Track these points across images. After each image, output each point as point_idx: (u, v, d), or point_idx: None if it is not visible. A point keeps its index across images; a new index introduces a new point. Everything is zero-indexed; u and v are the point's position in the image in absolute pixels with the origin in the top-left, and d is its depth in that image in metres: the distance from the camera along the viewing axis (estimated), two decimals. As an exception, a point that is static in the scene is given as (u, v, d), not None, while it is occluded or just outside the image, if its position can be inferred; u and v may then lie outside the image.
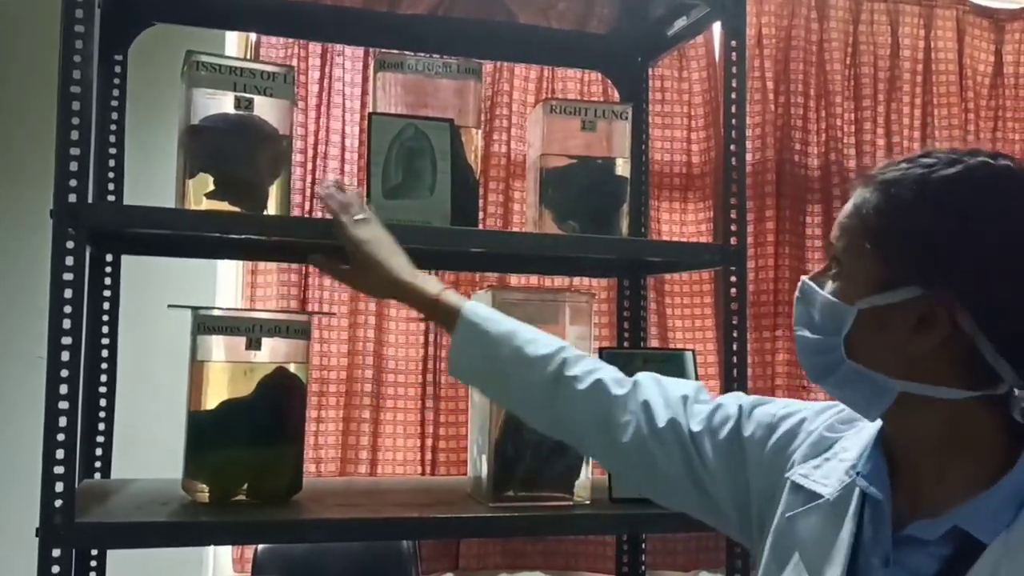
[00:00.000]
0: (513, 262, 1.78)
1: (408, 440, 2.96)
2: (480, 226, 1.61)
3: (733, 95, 1.46)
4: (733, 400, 1.13)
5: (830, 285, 0.94)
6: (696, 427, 1.11)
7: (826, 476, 0.99)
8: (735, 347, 1.50)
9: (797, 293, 0.98)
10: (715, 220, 3.13)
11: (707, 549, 3.12)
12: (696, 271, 2.91)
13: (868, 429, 1.00)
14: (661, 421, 1.12)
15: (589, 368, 1.17)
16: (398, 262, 1.26)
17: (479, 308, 1.22)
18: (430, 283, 1.25)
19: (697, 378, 1.65)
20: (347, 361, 2.94)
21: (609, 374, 1.17)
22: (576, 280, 2.26)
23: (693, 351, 1.67)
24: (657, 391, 1.15)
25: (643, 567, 1.79)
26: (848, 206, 0.95)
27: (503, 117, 3.02)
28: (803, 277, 0.98)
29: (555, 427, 1.20)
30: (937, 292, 0.87)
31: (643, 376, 1.18)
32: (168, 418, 1.66)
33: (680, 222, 3.18)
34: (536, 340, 1.19)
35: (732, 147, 1.47)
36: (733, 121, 1.47)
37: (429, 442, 2.97)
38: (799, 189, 3.22)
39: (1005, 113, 3.32)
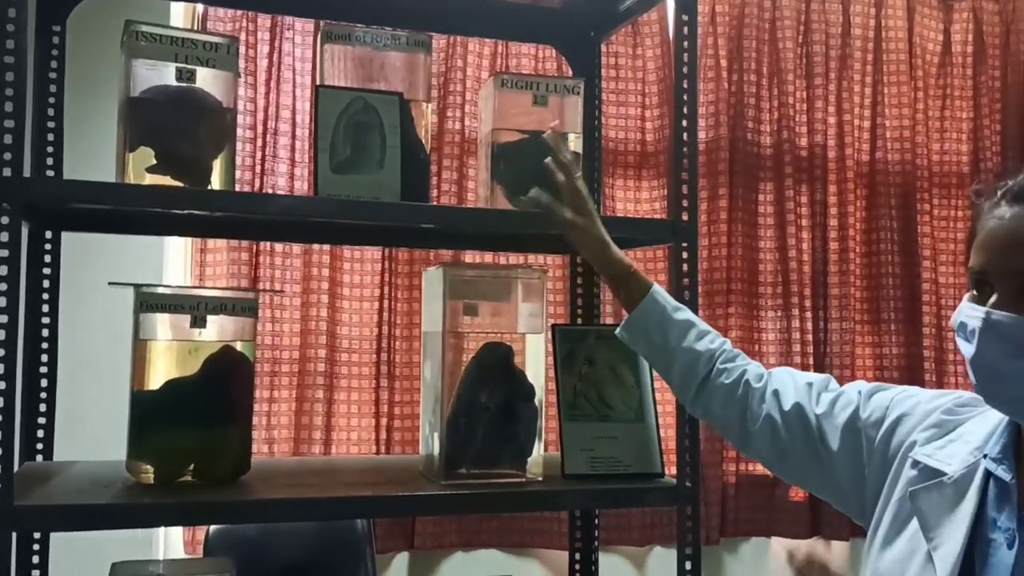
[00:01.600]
0: (465, 239, 1.77)
1: (363, 420, 2.95)
2: (434, 203, 1.59)
3: (685, 70, 1.45)
4: (854, 388, 1.23)
5: None
6: (820, 411, 1.22)
7: (950, 456, 1.06)
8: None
9: (989, 327, 0.97)
10: (668, 197, 3.14)
11: (661, 524, 3.14)
12: (650, 248, 2.92)
13: (993, 413, 1.06)
14: (787, 406, 1.24)
15: (739, 364, 1.34)
16: (603, 229, 1.41)
17: (664, 293, 1.40)
18: (627, 256, 1.42)
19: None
20: (300, 340, 2.91)
21: (753, 370, 1.33)
22: (531, 257, 2.25)
23: (645, 327, 1.67)
24: (788, 381, 1.29)
25: (596, 543, 1.80)
26: (1017, 233, 0.97)
27: (457, 94, 2.99)
28: (987, 310, 0.97)
29: (701, 412, 1.38)
30: None
31: (777, 370, 1.33)
32: (112, 399, 1.62)
33: (634, 200, 3.18)
34: (705, 335, 1.36)
35: (684, 123, 1.46)
36: (685, 97, 1.46)
37: (384, 421, 2.95)
38: (752, 167, 3.24)
39: (953, 92, 3.36)
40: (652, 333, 1.38)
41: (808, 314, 3.24)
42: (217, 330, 1.37)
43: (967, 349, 1.00)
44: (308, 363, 2.91)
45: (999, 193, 1.02)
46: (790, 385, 1.28)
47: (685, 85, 1.46)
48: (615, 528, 3.08)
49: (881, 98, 3.31)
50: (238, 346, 1.38)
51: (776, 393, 1.27)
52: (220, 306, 1.37)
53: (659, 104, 3.17)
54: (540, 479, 1.47)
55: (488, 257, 2.76)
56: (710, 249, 3.21)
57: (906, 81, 3.32)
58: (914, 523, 1.05)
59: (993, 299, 0.97)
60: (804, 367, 3.23)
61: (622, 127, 3.17)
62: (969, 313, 0.99)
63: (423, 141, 1.48)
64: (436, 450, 1.47)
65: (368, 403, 2.95)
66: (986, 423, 1.07)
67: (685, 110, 1.45)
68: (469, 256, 2.79)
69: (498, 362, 1.51)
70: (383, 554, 2.92)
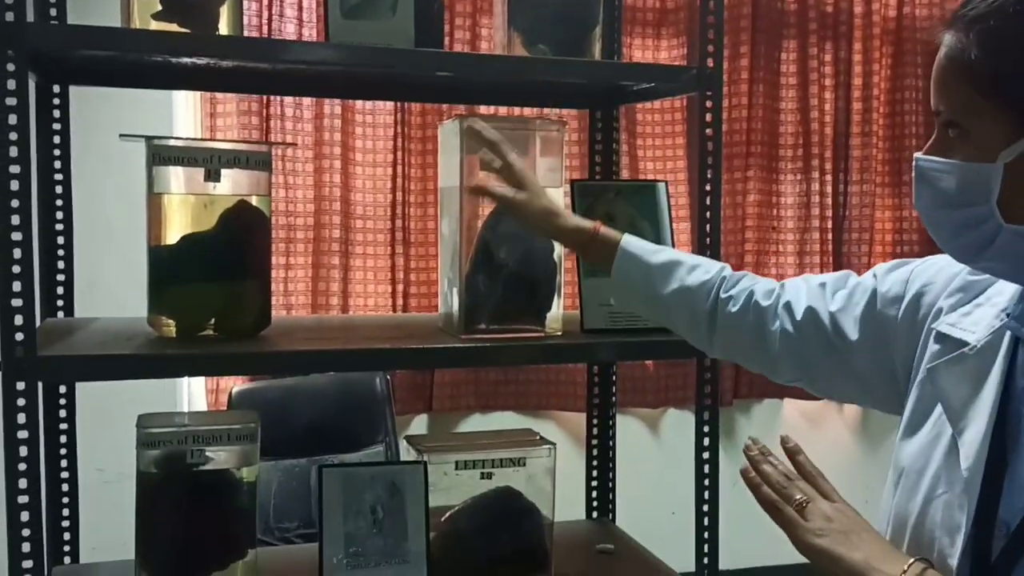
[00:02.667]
0: (480, 92, 1.71)
1: (379, 286, 2.96)
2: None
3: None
4: (869, 273, 1.12)
5: (955, 150, 0.86)
6: (834, 307, 1.10)
7: (975, 323, 0.94)
8: (709, 175, 1.46)
9: (916, 173, 0.89)
10: (689, 45, 3.04)
11: (675, 387, 3.19)
12: (668, 99, 2.86)
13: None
14: (799, 314, 1.12)
15: (744, 287, 1.19)
16: (554, 200, 1.30)
17: (637, 240, 1.24)
18: (585, 220, 1.28)
19: (670, 212, 1.63)
20: (314, 207, 2.89)
21: (761, 287, 1.18)
22: (549, 113, 2.20)
23: (666, 183, 1.64)
24: (800, 287, 1.15)
25: (614, 403, 1.82)
26: (941, 63, 0.87)
27: (469, -54, 2.88)
28: (916, 155, 0.89)
29: (718, 350, 1.23)
30: None
31: (791, 280, 1.19)
32: (129, 259, 1.62)
33: (653, 59, 3.09)
34: (696, 266, 1.21)
35: (710, -38, 1.39)
36: (711, -66, 1.39)
37: (400, 287, 2.96)
38: (775, 24, 3.13)
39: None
40: (638, 287, 1.23)
41: (828, 177, 3.19)
42: (231, 184, 1.35)
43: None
44: (323, 230, 2.90)
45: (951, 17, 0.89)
46: (803, 291, 1.14)
47: (712, -78, 1.38)
48: (630, 391, 3.12)
49: (912, -51, 3.17)
50: (253, 201, 1.37)
51: (788, 305, 1.14)
52: (234, 159, 1.34)
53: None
54: (559, 334, 1.48)
55: (503, 112, 2.71)
56: (730, 110, 3.14)
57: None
58: (936, 403, 0.94)
59: (929, 142, 0.90)
60: (822, 231, 3.20)
61: (641, -17, 3.05)
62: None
63: (437, -14, 1.41)
64: (455, 307, 1.47)
65: (384, 269, 2.95)
66: (1009, 286, 0.95)
67: (711, -52, 1.38)
68: (482, 111, 2.73)
69: (516, 216, 1.49)
70: (402, 415, 2.98)
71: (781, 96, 3.16)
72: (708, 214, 1.49)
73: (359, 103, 2.87)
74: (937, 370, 0.94)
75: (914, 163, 0.89)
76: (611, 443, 1.81)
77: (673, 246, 1.60)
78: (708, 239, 1.50)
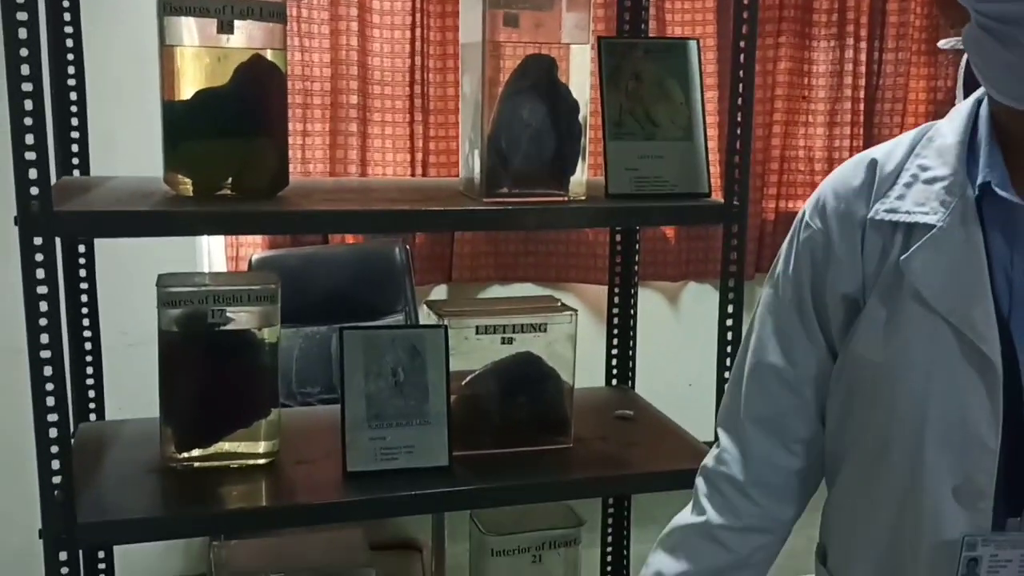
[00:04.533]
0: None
1: (397, 155, 2.91)
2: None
3: None
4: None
5: None
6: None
7: (920, 203, 0.87)
8: (745, 30, 1.40)
9: None
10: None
11: (696, 260, 3.17)
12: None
13: (941, 140, 0.89)
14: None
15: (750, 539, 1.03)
16: None
17: None
18: None
19: (701, 73, 1.56)
20: (331, 71, 2.82)
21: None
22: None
23: (698, 41, 1.57)
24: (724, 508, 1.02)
25: (636, 274, 1.79)
26: None
27: None
28: None
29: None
30: None
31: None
32: (146, 114, 1.58)
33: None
34: None
35: None
36: None
37: (419, 156, 2.92)
38: None
39: None
40: None
41: (863, 44, 3.08)
42: (246, 38, 1.30)
43: None
44: (340, 95, 2.83)
45: None
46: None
47: None
48: (651, 264, 3.10)
49: None
50: (269, 55, 1.32)
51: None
52: (247, 9, 1.28)
53: None
54: (583, 198, 1.44)
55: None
56: (762, -26, 3.00)
57: None
58: (915, 294, 0.86)
59: None
60: (854, 100, 3.11)
61: None
62: None
63: None
64: (476, 170, 1.43)
65: (403, 137, 2.90)
66: (938, 151, 0.89)
67: None
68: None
69: (541, 76, 1.43)
70: (422, 285, 2.98)
71: (817, -43, 3.02)
72: (742, 73, 1.43)
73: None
74: (910, 260, 0.86)
75: None
76: (632, 312, 1.80)
77: (704, 109, 1.55)
78: (741, 100, 1.44)
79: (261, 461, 1.41)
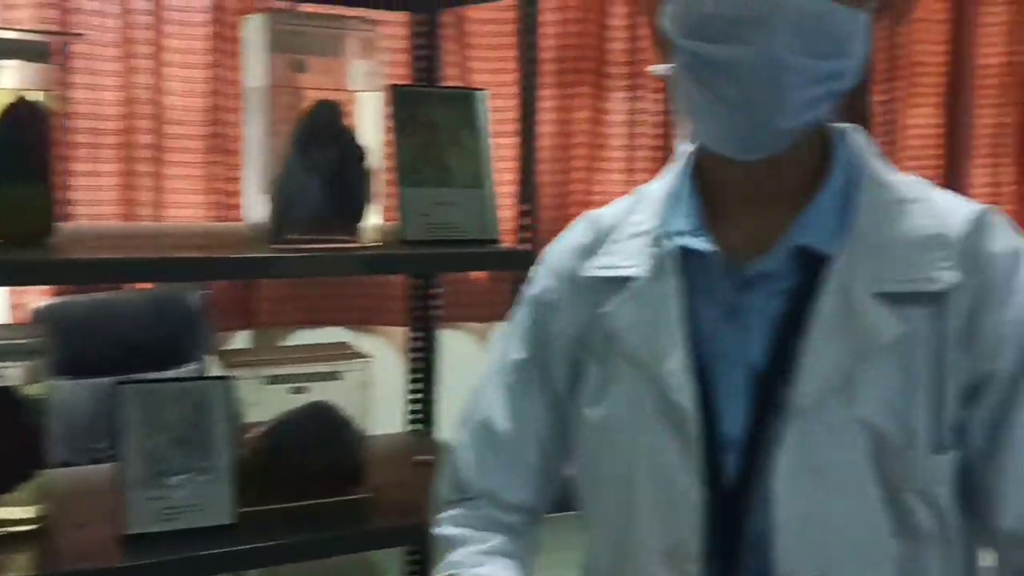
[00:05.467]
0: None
1: (195, 196, 2.81)
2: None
3: None
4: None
5: None
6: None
7: (627, 257, 0.87)
8: (529, 81, 1.45)
9: (775, 8, 0.72)
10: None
11: (504, 302, 3.21)
12: (498, 9, 2.81)
13: (651, 195, 0.90)
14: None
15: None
16: None
17: None
18: None
19: (487, 120, 1.60)
20: (124, 110, 2.70)
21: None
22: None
23: (486, 92, 1.61)
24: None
25: (437, 317, 1.80)
26: None
27: None
28: None
29: None
30: None
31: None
32: None
33: (484, -32, 3.02)
34: None
35: None
36: None
37: (219, 198, 2.83)
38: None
39: None
40: None
41: (658, 95, 3.24)
42: (10, 80, 1.23)
43: (741, 47, 0.74)
44: (133, 135, 2.71)
45: None
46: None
47: None
48: (457, 305, 3.12)
49: None
50: (38, 96, 1.25)
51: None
52: (7, 51, 1.21)
53: None
54: (379, 244, 1.44)
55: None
56: (562, 25, 3.13)
57: None
58: (618, 344, 0.85)
59: None
60: (651, 149, 3.26)
61: None
62: None
63: None
64: (263, 215, 1.40)
65: (201, 178, 2.80)
66: (649, 206, 0.89)
67: None
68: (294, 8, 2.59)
69: (330, 121, 1.43)
70: (222, 332, 2.87)
71: (611, 12, 3.16)
72: (528, 121, 1.48)
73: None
74: (612, 314, 0.86)
75: None
76: (432, 356, 1.80)
77: (490, 159, 1.58)
78: (528, 147, 1.49)
79: (28, 527, 1.30)
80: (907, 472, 0.78)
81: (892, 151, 3.49)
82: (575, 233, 0.95)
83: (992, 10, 3.62)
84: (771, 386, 0.80)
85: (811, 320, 0.79)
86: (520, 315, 0.97)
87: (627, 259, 0.87)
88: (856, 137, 0.87)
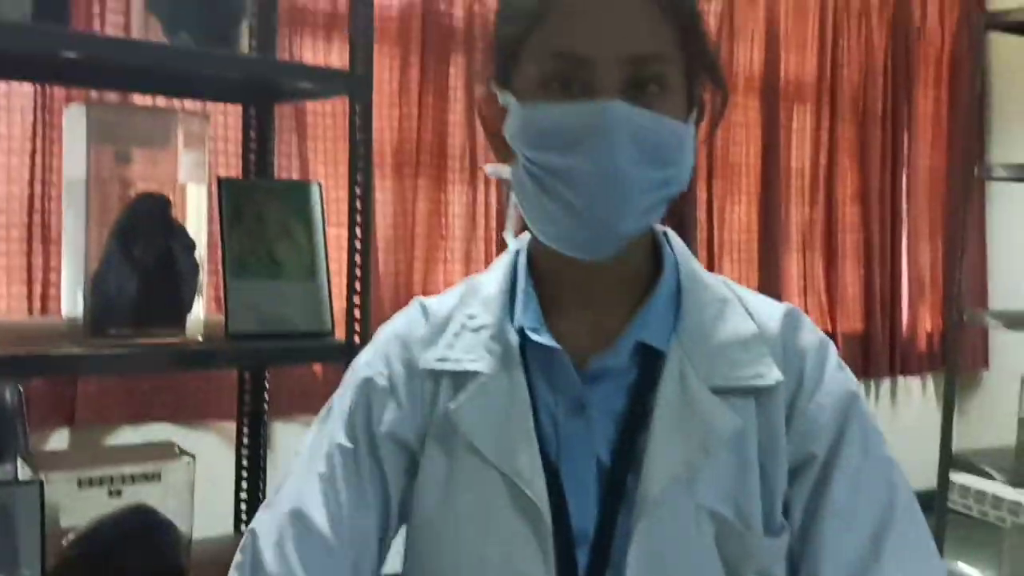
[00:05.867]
0: (121, 76, 1.59)
1: (12, 287, 2.66)
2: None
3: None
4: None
5: (655, 104, 0.78)
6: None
7: (468, 351, 0.86)
8: (360, 177, 1.46)
9: (620, 124, 0.76)
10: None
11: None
12: (338, 102, 2.84)
13: (484, 291, 0.89)
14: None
15: None
16: None
17: None
18: None
19: (323, 214, 1.60)
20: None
21: None
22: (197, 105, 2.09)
23: (320, 184, 1.62)
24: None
25: (266, 410, 1.75)
26: (631, 6, 0.77)
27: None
28: (620, 103, 0.76)
29: None
30: (702, 79, 0.83)
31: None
32: None
33: (324, 62, 3.06)
34: None
35: (360, -34, 1.40)
36: (362, -62, 1.39)
37: (38, 288, 2.68)
38: (444, 38, 3.22)
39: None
40: None
41: (493, 188, 3.33)
42: None
43: (583, 158, 0.77)
44: (-57, 223, 2.56)
45: None
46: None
47: (363, -74, 1.39)
48: (297, 397, 3.05)
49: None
50: None
51: None
52: None
53: (351, -38, 3.04)
54: (200, 339, 1.40)
55: (161, 103, 2.54)
56: (401, 120, 3.18)
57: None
58: (465, 440, 0.84)
59: (602, 91, 0.77)
60: (487, 240, 3.34)
61: (310, -16, 3.01)
62: (577, 111, 0.77)
63: (61, -43, 1.29)
64: (80, 309, 1.34)
65: (19, 268, 2.66)
66: (484, 300, 0.89)
67: (362, -47, 1.38)
68: (138, 101, 2.54)
69: (154, 214, 1.40)
70: (39, 431, 2.69)
71: (449, 108, 3.25)
72: (360, 216, 1.49)
73: (-9, 84, 2.57)
74: (459, 410, 0.84)
75: (613, 112, 0.75)
76: (262, 451, 1.75)
77: (326, 249, 1.58)
78: (359, 241, 1.50)
79: None
80: (746, 554, 0.81)
81: (716, 244, 3.71)
82: (409, 320, 0.92)
83: (799, 116, 3.94)
84: (618, 479, 0.81)
85: (653, 415, 0.82)
86: (345, 400, 0.90)
87: (469, 353, 0.86)
88: (677, 238, 0.91)
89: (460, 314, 0.89)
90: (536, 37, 0.79)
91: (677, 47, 0.79)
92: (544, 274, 0.88)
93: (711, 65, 0.83)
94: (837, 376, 0.86)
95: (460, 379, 0.86)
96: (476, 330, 0.87)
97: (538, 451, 0.82)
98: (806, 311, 3.44)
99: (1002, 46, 3.90)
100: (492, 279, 0.90)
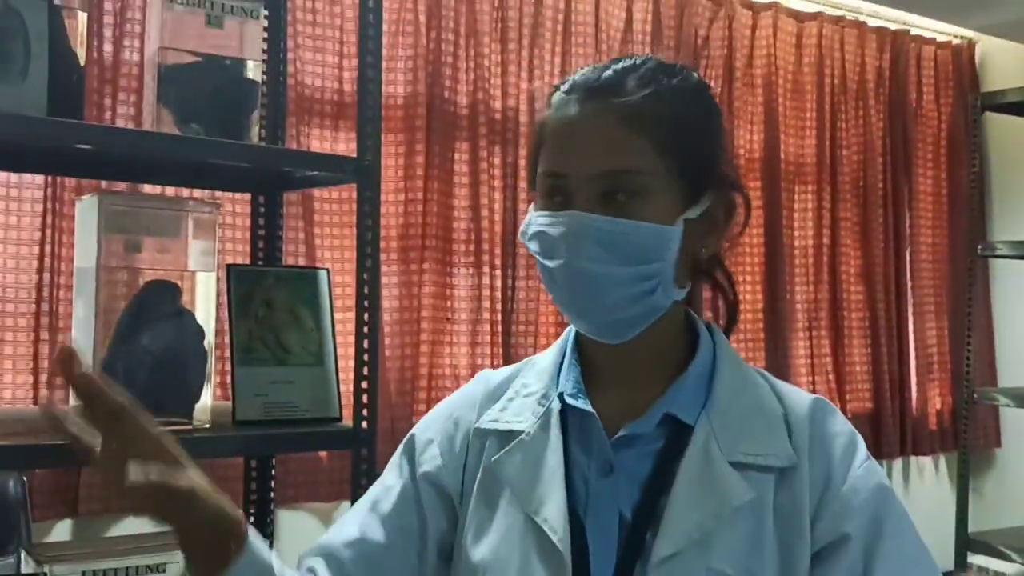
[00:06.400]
0: (132, 168, 1.62)
1: (19, 376, 2.66)
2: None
3: (371, 3, 1.42)
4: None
5: (628, 211, 0.88)
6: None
7: (517, 414, 0.98)
8: (368, 264, 1.48)
9: (577, 230, 0.88)
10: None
11: (345, 481, 3.13)
12: (345, 188, 2.88)
13: (540, 363, 1.02)
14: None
15: None
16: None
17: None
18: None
19: (331, 300, 1.61)
20: (-59, 288, 2.56)
21: None
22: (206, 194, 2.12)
23: (328, 270, 1.63)
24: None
25: (272, 497, 1.73)
26: (610, 123, 0.88)
27: (136, 21, 2.76)
28: (574, 212, 0.88)
29: None
30: (722, 193, 0.94)
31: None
32: None
33: (331, 151, 3.11)
34: None
35: (368, 58, 1.43)
36: (370, 32, 1.43)
37: (43, 378, 2.68)
38: (448, 126, 3.28)
39: (634, 68, 3.60)
40: None
41: (498, 272, 3.34)
42: None
43: (552, 261, 0.90)
44: (-47, 312, 2.57)
45: (564, 89, 0.94)
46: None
47: (371, 19, 1.42)
48: (303, 485, 3.02)
49: (569, 68, 3.47)
50: None
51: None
52: None
53: (357, 54, 3.11)
54: (208, 426, 1.40)
55: (170, 192, 2.57)
56: (407, 204, 3.21)
57: (592, 53, 3.50)
58: (504, 491, 0.95)
59: (577, 203, 0.89)
60: (492, 322, 3.34)
61: (319, 75, 3.08)
62: (551, 221, 0.90)
63: (77, 54, 1.33)
64: (89, 397, 1.34)
65: (26, 357, 2.66)
66: (539, 371, 1.01)
67: (370, 44, 1.42)
68: (147, 191, 2.57)
69: (164, 302, 1.41)
70: (42, 521, 2.66)
71: (454, 194, 3.29)
72: (367, 302, 1.49)
73: (2, 175, 2.61)
74: (501, 461, 0.95)
75: (574, 220, 0.88)
76: (270, 539, 1.72)
77: (334, 334, 1.58)
78: (366, 328, 1.50)
79: None
80: None
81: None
82: (470, 389, 1.05)
83: (800, 196, 3.98)
84: (638, 537, 0.89)
85: (675, 481, 0.90)
86: (394, 457, 1.04)
87: (517, 415, 0.98)
88: (717, 329, 1.01)
89: (517, 383, 1.02)
90: (540, 158, 0.94)
91: (657, 157, 0.89)
92: (585, 349, 0.99)
93: (706, 168, 0.93)
94: (869, 466, 0.93)
95: (505, 438, 0.97)
96: (526, 396, 0.99)
97: (565, 504, 0.90)
98: (814, 391, 3.42)
99: (998, 125, 3.96)
100: (548, 354, 1.03)
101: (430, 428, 1.03)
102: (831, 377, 3.98)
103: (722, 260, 1.01)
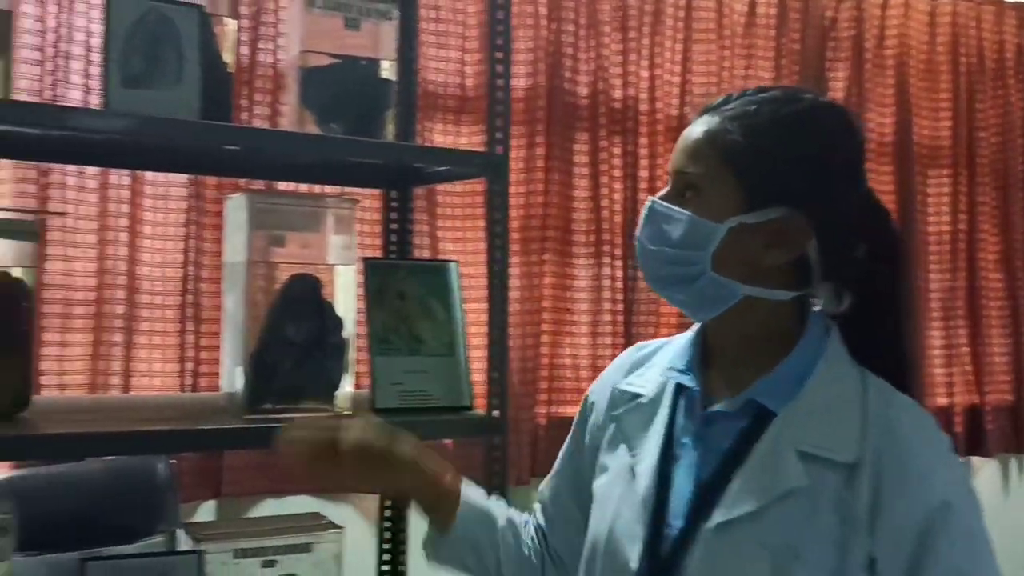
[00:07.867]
0: (273, 168, 1.69)
1: (166, 364, 2.81)
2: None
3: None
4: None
5: (689, 205, 1.03)
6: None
7: (645, 381, 1.15)
8: (498, 256, 1.50)
9: (649, 213, 1.06)
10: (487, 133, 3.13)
11: (472, 467, 3.18)
12: (468, 182, 2.93)
13: (679, 340, 1.16)
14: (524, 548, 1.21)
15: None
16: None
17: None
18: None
19: (460, 291, 1.65)
20: (96, 281, 2.73)
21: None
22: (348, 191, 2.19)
23: (457, 263, 1.67)
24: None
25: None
26: (697, 136, 1.05)
27: (270, 24, 2.87)
28: (651, 199, 1.06)
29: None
30: (798, 213, 1.02)
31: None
32: None
33: (454, 144, 3.16)
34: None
35: (498, 54, 1.45)
36: (499, 28, 1.45)
37: (190, 366, 2.83)
38: (568, 117, 3.29)
39: (757, 52, 3.52)
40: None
41: (619, 263, 3.34)
42: (-5, 255, 1.26)
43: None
44: (104, 305, 2.73)
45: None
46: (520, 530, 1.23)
47: (500, 16, 1.45)
48: (428, 471, 3.09)
49: (690, 55, 3.43)
50: (18, 272, 1.28)
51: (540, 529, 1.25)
52: (-3, 229, 1.26)
53: (479, 49, 3.16)
54: (348, 413, 1.45)
55: (303, 189, 2.67)
56: (527, 196, 3.24)
57: (714, 39, 3.45)
58: (621, 443, 1.13)
59: (664, 192, 1.08)
60: (613, 314, 3.33)
61: (442, 70, 3.13)
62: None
63: (226, 59, 1.40)
64: (238, 385, 1.42)
65: (172, 347, 2.81)
66: (675, 347, 1.16)
67: (499, 41, 1.44)
68: (282, 188, 2.68)
69: (306, 294, 1.47)
70: (188, 503, 2.81)
71: (574, 185, 3.29)
72: (498, 293, 1.52)
73: (150, 174, 2.76)
74: (621, 417, 1.15)
75: (649, 204, 1.06)
76: (404, 524, 1.78)
77: (463, 325, 1.62)
78: (497, 319, 1.53)
79: None
80: None
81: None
82: (626, 355, 1.23)
83: (936, 181, 3.83)
84: (707, 502, 1.02)
85: (747, 458, 1.01)
86: (577, 414, 1.25)
87: (644, 383, 1.15)
88: (829, 321, 1.08)
89: (658, 355, 1.18)
90: None
91: (722, 166, 1.03)
92: (706, 331, 1.13)
93: (772, 184, 1.02)
94: (939, 479, 0.97)
95: (631, 399, 1.15)
96: (657, 367, 1.16)
97: (657, 461, 1.07)
98: (951, 383, 3.30)
99: None
100: (688, 332, 1.16)
101: (595, 391, 1.22)
102: (968, 369, 3.82)
103: (873, 277, 1.08)
